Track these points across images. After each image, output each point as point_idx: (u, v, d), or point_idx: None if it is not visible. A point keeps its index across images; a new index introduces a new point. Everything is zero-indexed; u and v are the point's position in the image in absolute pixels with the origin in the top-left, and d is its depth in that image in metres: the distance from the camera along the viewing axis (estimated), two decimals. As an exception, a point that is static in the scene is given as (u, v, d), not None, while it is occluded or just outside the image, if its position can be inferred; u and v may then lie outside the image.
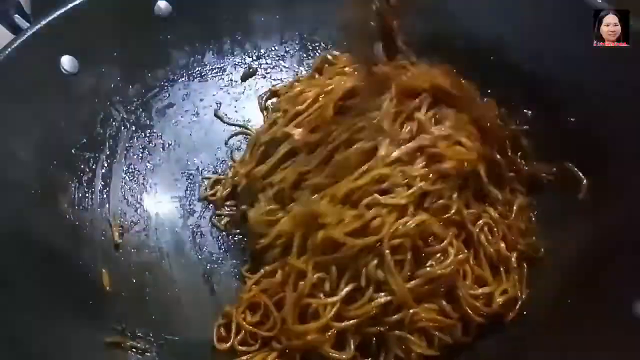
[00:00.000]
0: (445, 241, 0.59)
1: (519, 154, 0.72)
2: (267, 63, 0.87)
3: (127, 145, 0.77)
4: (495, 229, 0.64)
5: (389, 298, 0.57)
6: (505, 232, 0.65)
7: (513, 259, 0.64)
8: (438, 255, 0.59)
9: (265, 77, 0.87)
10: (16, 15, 0.89)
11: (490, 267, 0.63)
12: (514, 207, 0.67)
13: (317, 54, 0.87)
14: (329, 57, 0.81)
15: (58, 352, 0.52)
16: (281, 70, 0.87)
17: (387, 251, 0.56)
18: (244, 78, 0.86)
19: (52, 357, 0.51)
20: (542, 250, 0.65)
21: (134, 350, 0.58)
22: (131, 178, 0.76)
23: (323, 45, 0.87)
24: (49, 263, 0.59)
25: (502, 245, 0.64)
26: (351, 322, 0.57)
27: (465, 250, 0.61)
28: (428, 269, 0.58)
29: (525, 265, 0.64)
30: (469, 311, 0.58)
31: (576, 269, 0.60)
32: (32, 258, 0.58)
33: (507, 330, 0.60)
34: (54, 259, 0.61)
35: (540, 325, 0.59)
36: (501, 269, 0.63)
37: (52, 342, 0.52)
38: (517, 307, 0.61)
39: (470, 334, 0.60)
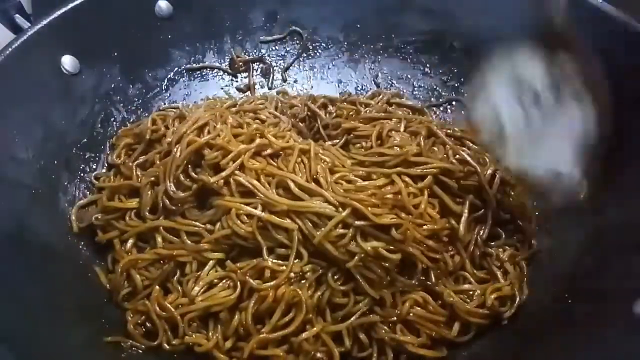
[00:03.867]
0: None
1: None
2: (267, 63, 0.87)
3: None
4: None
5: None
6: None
7: (504, 256, 0.64)
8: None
9: (266, 77, 0.87)
10: (16, 15, 0.89)
11: (487, 270, 0.63)
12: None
13: (318, 53, 0.87)
14: None
15: (58, 352, 0.52)
16: (282, 69, 0.87)
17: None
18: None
19: (52, 357, 0.51)
20: (542, 250, 0.65)
21: (133, 349, 0.58)
22: (131, 178, 0.76)
23: (323, 45, 0.87)
24: (49, 263, 0.60)
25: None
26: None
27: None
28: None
29: (525, 265, 0.64)
30: (460, 310, 0.59)
31: (576, 269, 0.61)
32: (32, 258, 0.58)
33: (506, 329, 0.60)
34: (54, 259, 0.61)
35: (540, 325, 0.59)
36: (497, 271, 0.63)
37: (52, 342, 0.52)
38: (515, 304, 0.61)
39: (468, 333, 0.60)
